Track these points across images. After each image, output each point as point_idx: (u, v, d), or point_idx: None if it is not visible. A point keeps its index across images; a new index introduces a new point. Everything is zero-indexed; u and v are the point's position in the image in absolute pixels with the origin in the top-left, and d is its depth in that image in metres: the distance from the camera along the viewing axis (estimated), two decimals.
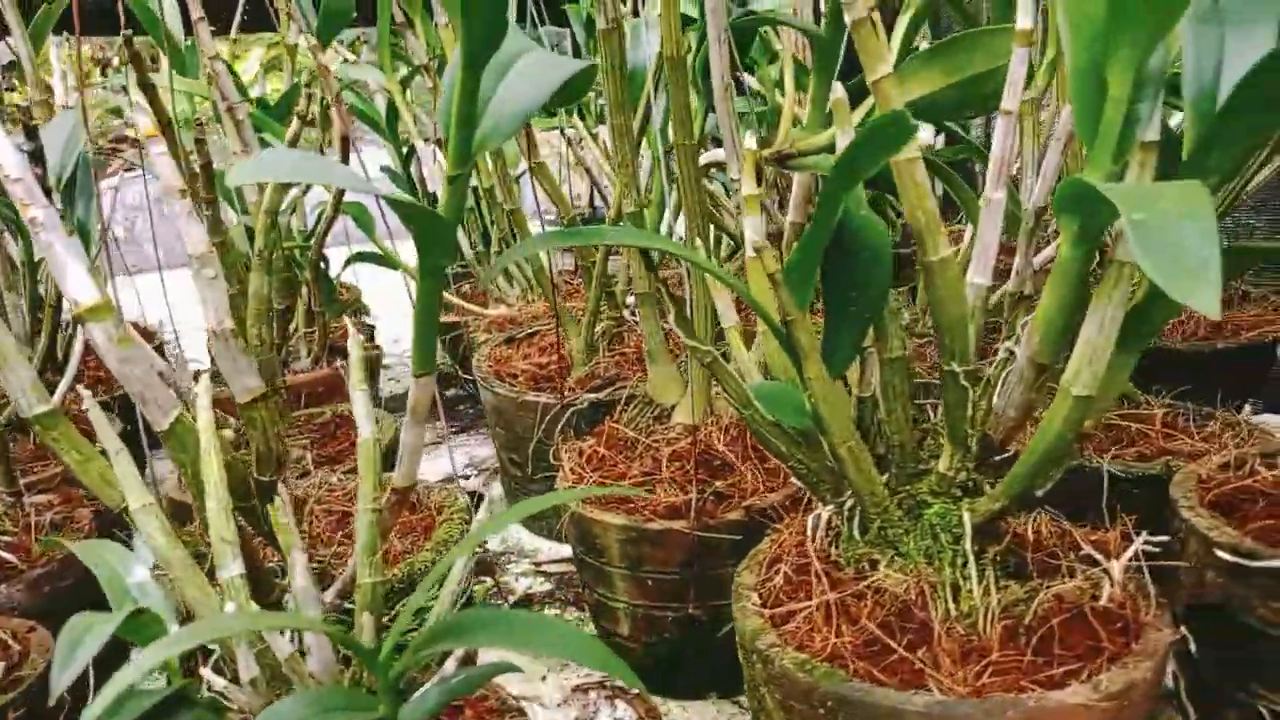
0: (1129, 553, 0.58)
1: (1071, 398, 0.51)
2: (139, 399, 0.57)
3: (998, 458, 0.59)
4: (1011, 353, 0.60)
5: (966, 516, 0.56)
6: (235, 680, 0.53)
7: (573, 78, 0.53)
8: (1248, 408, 1.30)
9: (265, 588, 0.65)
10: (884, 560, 0.59)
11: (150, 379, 0.57)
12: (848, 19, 0.48)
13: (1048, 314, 0.53)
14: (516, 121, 0.51)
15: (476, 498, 1.31)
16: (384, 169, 1.86)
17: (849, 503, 0.61)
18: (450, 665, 0.52)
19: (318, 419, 1.10)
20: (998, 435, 0.57)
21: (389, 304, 1.55)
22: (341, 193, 1.11)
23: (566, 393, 1.06)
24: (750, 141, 0.64)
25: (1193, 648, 0.66)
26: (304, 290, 1.27)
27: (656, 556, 0.81)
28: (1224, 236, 1.58)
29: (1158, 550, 0.59)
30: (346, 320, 0.60)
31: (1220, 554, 0.61)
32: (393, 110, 1.61)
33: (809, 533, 0.64)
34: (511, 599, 1.06)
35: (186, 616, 0.59)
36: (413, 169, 1.78)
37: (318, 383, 1.17)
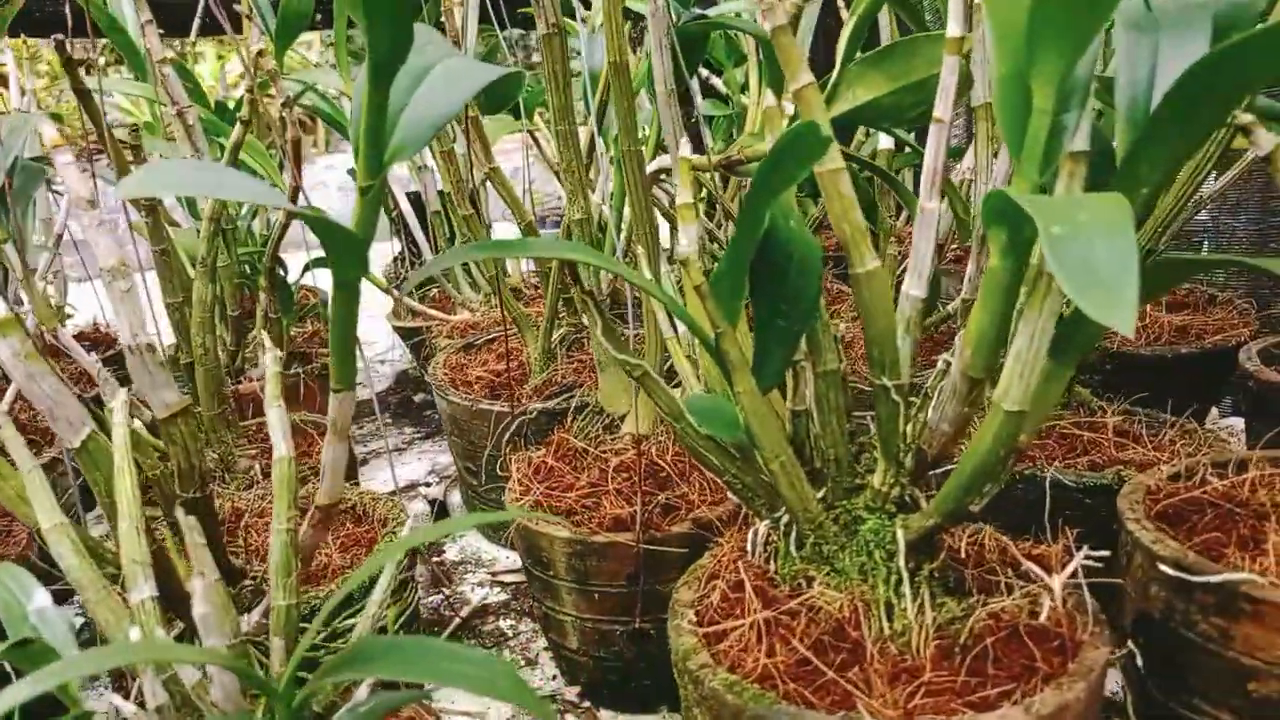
0: (1069, 569, 0.56)
1: (1002, 413, 0.50)
2: (49, 415, 0.55)
3: (935, 472, 0.58)
4: (949, 364, 0.59)
5: (900, 533, 0.55)
6: (144, 706, 0.52)
7: (502, 83, 0.52)
8: (1214, 411, 1.28)
9: (187, 607, 0.63)
10: (819, 577, 0.58)
11: (60, 395, 0.55)
12: (766, 26, 0.47)
13: (979, 326, 0.51)
14: (430, 131, 0.49)
15: (436, 505, 1.30)
16: (350, 172, 1.84)
17: (785, 518, 0.60)
18: (363, 691, 0.50)
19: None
20: (932, 450, 0.56)
21: None
22: (294, 199, 1.09)
23: (523, 400, 1.04)
24: (686, 149, 0.62)
25: (1140, 662, 0.65)
26: (262, 296, 1.25)
27: (603, 569, 0.80)
28: (1202, 238, 1.56)
29: (1100, 565, 0.58)
30: (264, 335, 0.59)
31: (1163, 568, 0.60)
32: None
33: (747, 549, 0.63)
34: (466, 610, 1.04)
35: (103, 641, 0.57)
36: None
37: None
